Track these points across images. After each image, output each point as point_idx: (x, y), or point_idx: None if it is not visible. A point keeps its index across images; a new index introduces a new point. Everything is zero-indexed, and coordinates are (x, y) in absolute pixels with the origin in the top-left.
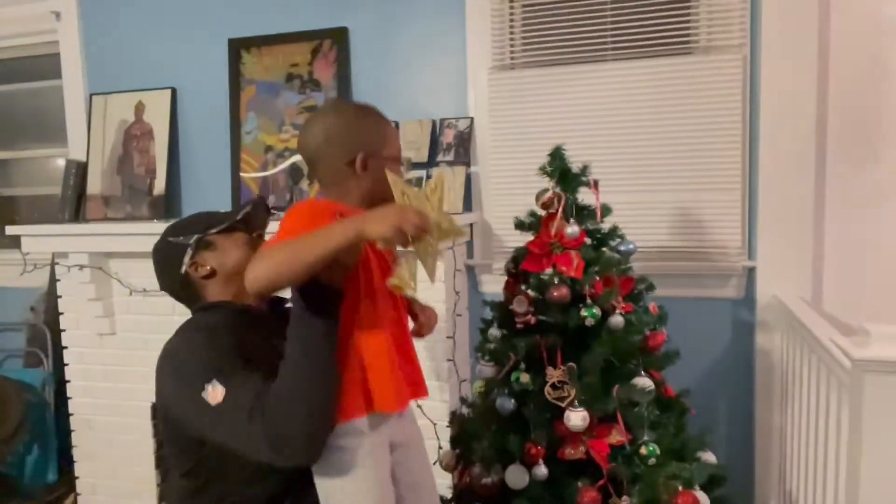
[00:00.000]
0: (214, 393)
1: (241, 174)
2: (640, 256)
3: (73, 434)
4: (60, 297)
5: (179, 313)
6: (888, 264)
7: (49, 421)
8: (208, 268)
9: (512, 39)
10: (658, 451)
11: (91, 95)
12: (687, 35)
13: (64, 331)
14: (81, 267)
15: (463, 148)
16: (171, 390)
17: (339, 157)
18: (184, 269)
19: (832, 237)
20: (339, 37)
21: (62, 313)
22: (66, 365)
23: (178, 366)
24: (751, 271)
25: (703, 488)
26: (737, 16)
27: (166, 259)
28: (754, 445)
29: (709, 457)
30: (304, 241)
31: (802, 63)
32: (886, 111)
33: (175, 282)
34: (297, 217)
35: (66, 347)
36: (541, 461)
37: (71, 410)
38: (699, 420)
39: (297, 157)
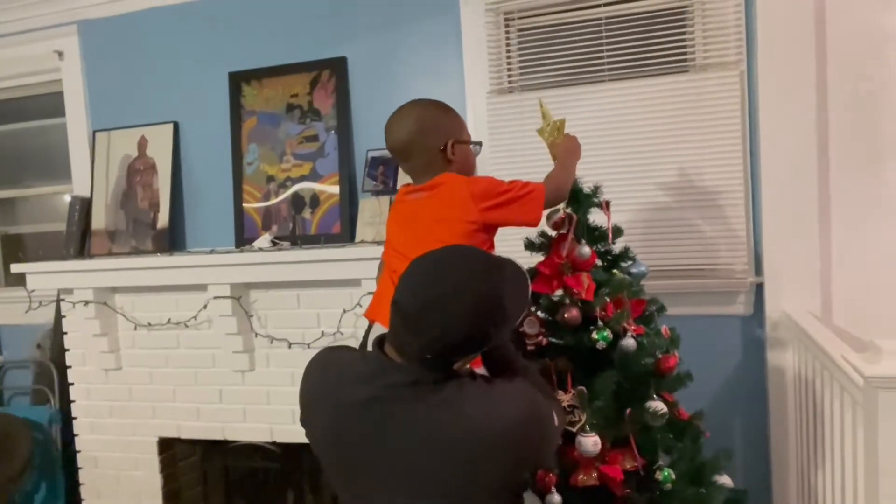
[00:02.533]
0: (555, 417)
1: (244, 205)
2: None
3: (80, 471)
4: (66, 333)
5: (184, 346)
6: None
7: (56, 458)
8: (468, 367)
9: (509, 64)
10: (673, 476)
11: (94, 132)
12: (683, 53)
13: (70, 367)
14: (86, 303)
15: None
16: (541, 443)
17: (433, 145)
18: (457, 367)
19: (838, 250)
20: (337, 66)
21: (68, 349)
22: (73, 402)
23: (536, 420)
24: (759, 287)
25: None
26: (732, 32)
27: (467, 349)
28: (771, 466)
29: (725, 480)
30: (569, 171)
31: (800, 76)
32: (887, 121)
33: (444, 369)
34: (487, 183)
35: (72, 384)
36: (553, 489)
37: (77, 447)
38: (713, 441)
39: (300, 186)
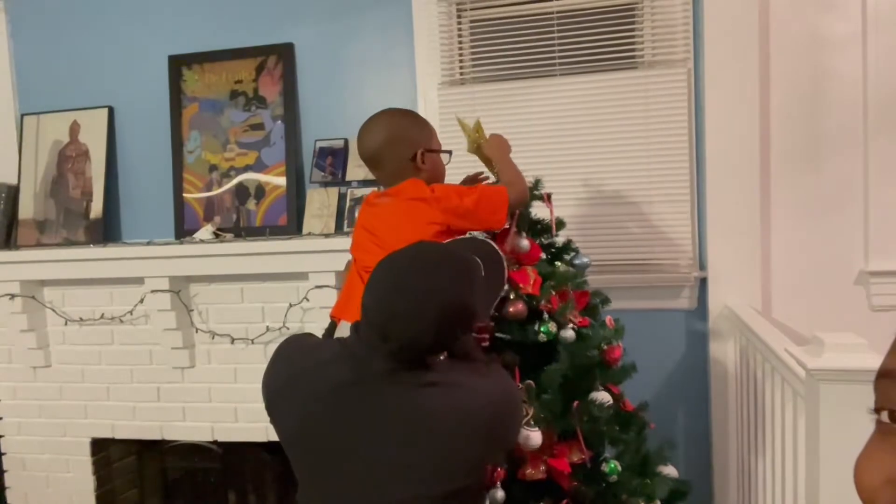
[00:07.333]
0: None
1: (185, 195)
2: (593, 270)
3: (5, 474)
4: None
5: (119, 342)
6: (833, 272)
7: None
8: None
9: (461, 55)
10: (619, 468)
11: (23, 115)
12: (632, 50)
13: None
14: (12, 296)
15: None
16: (513, 423)
17: (403, 154)
18: (429, 361)
19: (779, 246)
20: (285, 53)
21: None
22: None
23: (512, 400)
24: (702, 282)
25: (665, 503)
26: (680, 31)
27: (435, 351)
28: (711, 455)
29: (670, 471)
30: (515, 169)
31: (744, 77)
32: (825, 123)
33: (418, 362)
34: (450, 186)
35: None
36: (499, 483)
37: (3, 449)
38: (657, 432)
39: (244, 177)
